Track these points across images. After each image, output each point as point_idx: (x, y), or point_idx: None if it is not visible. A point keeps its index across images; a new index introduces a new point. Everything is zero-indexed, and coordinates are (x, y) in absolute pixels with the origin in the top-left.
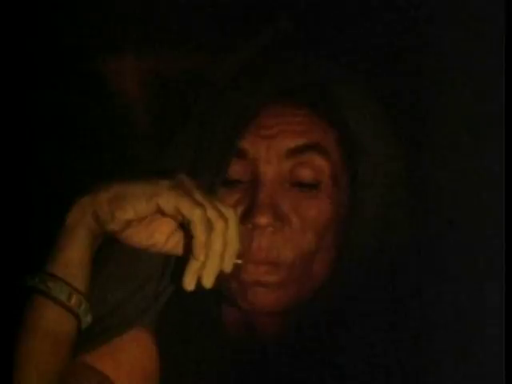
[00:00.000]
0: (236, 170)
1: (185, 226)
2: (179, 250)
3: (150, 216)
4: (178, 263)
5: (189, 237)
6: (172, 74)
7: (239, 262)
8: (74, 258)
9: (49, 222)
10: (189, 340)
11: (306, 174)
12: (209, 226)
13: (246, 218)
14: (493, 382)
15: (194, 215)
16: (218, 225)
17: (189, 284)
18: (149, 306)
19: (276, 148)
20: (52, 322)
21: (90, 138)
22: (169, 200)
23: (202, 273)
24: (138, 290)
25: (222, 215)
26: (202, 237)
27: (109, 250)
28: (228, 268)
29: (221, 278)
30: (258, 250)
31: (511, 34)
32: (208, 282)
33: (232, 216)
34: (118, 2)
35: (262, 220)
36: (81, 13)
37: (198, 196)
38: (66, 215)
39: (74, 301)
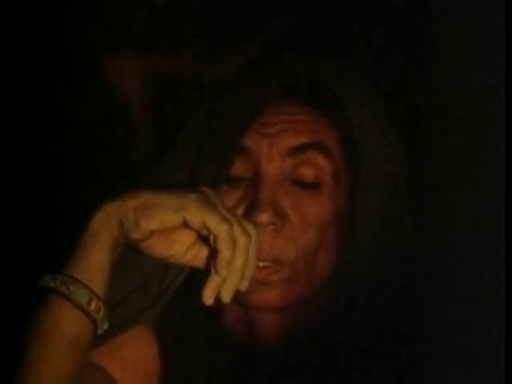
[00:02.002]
0: (238, 167)
1: (205, 239)
2: (197, 262)
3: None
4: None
5: (209, 250)
6: (173, 73)
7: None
8: (95, 263)
9: (69, 225)
10: (189, 338)
11: (307, 173)
12: (233, 241)
13: (247, 216)
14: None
15: (221, 231)
16: (242, 240)
17: (208, 298)
18: (152, 303)
19: (278, 146)
20: (70, 325)
21: (89, 137)
22: (196, 214)
23: (221, 288)
24: (141, 288)
25: (245, 231)
26: (228, 253)
27: None
28: (244, 287)
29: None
30: (261, 248)
31: (511, 32)
32: (227, 297)
33: (253, 232)
34: (118, 2)
35: (263, 218)
36: (81, 13)
37: (224, 211)
38: (90, 220)
39: (93, 306)
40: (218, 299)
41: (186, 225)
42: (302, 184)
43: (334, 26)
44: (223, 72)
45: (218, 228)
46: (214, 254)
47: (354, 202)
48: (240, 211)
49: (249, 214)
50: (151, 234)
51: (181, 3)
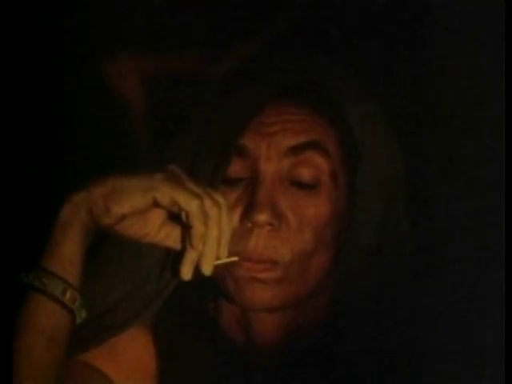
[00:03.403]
0: (236, 167)
1: (177, 217)
2: (171, 242)
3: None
4: (178, 261)
5: (182, 227)
6: (171, 73)
7: (235, 259)
8: (67, 253)
9: (42, 219)
10: (186, 338)
11: (305, 173)
12: (205, 216)
13: (245, 215)
14: None
15: (192, 207)
16: (214, 212)
17: (186, 274)
18: (149, 304)
19: (276, 146)
20: (47, 317)
21: (88, 137)
22: (165, 193)
23: (200, 261)
24: (138, 288)
25: (216, 202)
26: (201, 227)
27: (109, 248)
28: (223, 255)
29: (218, 269)
30: (256, 248)
31: (511, 33)
32: (208, 269)
33: (223, 202)
34: (117, 2)
35: (261, 218)
36: (80, 13)
37: (192, 186)
38: (59, 211)
39: (68, 296)
40: (216, 297)
41: (156, 204)
42: (300, 184)
43: (332, 27)
44: (222, 72)
45: (189, 204)
46: (187, 229)
47: (352, 202)
48: (238, 211)
49: (247, 213)
50: (123, 217)
51: (180, 3)
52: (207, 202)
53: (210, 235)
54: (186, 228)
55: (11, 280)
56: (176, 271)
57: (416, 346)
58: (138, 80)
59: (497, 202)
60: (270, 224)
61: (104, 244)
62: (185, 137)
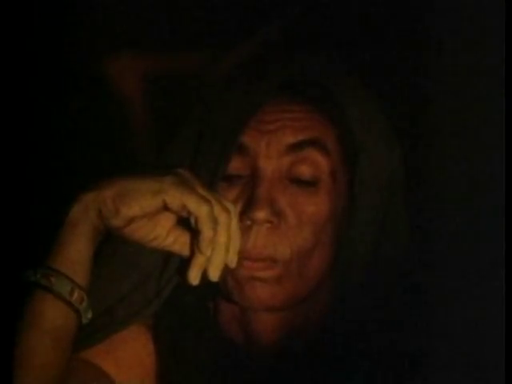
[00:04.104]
0: (236, 164)
1: (186, 222)
2: (178, 247)
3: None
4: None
5: (190, 233)
6: (171, 73)
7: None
8: (76, 253)
9: (50, 218)
10: (185, 336)
11: (305, 171)
12: (214, 221)
13: (244, 213)
14: None
15: (202, 212)
16: (223, 218)
17: (194, 278)
18: (149, 302)
19: (276, 143)
20: (53, 317)
21: (90, 137)
22: (175, 196)
23: (208, 266)
24: (139, 286)
25: (225, 208)
26: (210, 232)
27: (110, 246)
28: (233, 263)
29: (225, 272)
30: (255, 246)
31: (511, 31)
32: (215, 275)
33: (233, 209)
34: (117, 2)
35: (260, 215)
36: (80, 13)
37: (202, 191)
38: (69, 211)
39: (75, 296)
40: (215, 296)
41: (165, 208)
42: (300, 182)
43: (332, 26)
44: (222, 71)
45: (199, 209)
46: (196, 234)
47: (351, 200)
48: (237, 209)
49: (246, 211)
50: (132, 220)
51: (180, 3)
52: (217, 208)
53: (219, 241)
54: (195, 233)
55: (18, 278)
56: (184, 275)
57: (416, 346)
58: (139, 80)
59: (497, 202)
60: (269, 221)
61: (105, 242)
62: (185, 136)
